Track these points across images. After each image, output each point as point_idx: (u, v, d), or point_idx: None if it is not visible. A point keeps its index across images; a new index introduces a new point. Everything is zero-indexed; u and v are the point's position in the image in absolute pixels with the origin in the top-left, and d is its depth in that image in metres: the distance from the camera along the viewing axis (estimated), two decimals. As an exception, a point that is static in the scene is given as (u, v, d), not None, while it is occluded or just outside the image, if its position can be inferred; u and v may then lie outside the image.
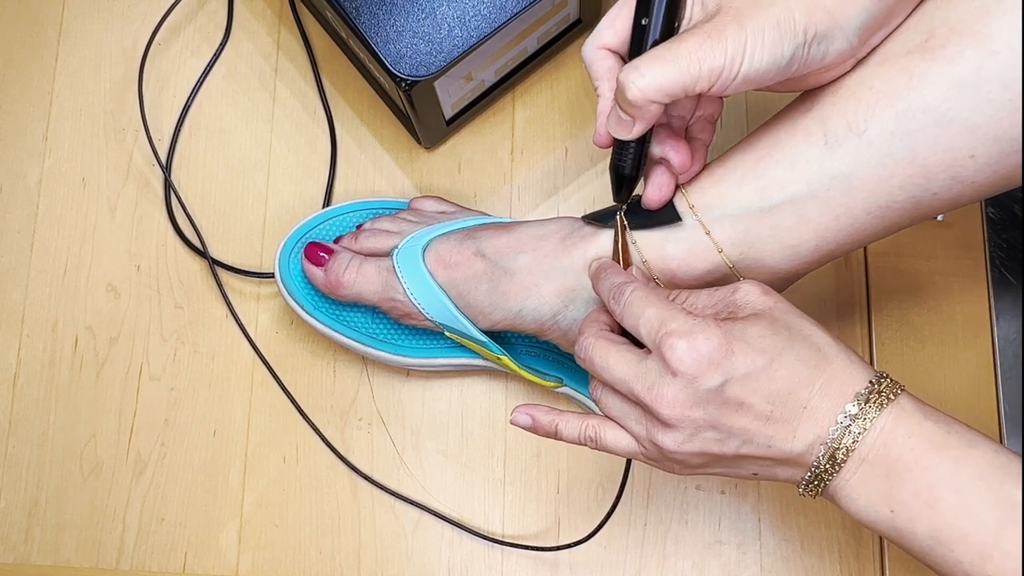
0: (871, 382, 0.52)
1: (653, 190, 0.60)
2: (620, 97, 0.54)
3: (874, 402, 0.52)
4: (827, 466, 0.52)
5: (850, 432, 0.51)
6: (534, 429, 0.59)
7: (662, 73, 0.53)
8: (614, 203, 0.61)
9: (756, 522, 0.73)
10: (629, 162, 0.59)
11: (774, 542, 0.73)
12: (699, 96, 0.60)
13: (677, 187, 0.61)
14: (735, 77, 0.53)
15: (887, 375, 0.53)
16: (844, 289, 0.77)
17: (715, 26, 0.53)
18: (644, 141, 0.58)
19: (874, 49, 0.56)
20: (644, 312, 0.54)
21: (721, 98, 0.61)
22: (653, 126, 0.58)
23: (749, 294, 0.55)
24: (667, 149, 0.59)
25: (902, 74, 0.54)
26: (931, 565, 0.52)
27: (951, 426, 0.52)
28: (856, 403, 0.52)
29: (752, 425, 0.52)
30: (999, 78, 0.52)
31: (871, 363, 0.75)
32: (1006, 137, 0.53)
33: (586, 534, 0.70)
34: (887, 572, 0.73)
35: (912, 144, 0.54)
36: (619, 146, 0.59)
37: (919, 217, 0.57)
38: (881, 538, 0.73)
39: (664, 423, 0.53)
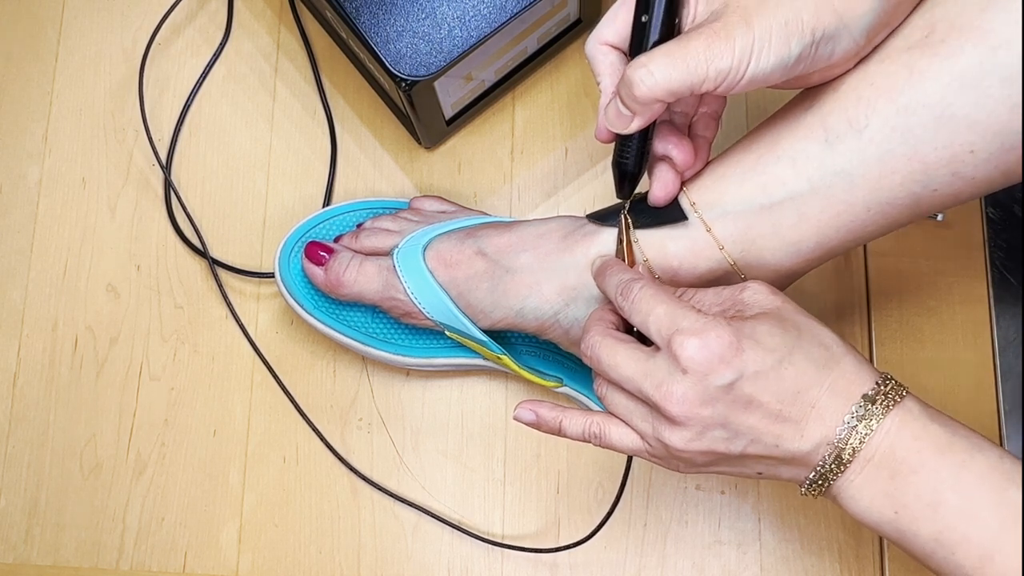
0: (877, 383, 0.52)
1: (659, 188, 0.60)
2: (625, 92, 0.54)
3: (881, 403, 0.52)
4: (832, 466, 0.52)
5: (857, 432, 0.51)
6: (537, 425, 0.59)
7: (670, 73, 0.53)
8: (617, 200, 0.62)
9: (756, 522, 0.73)
10: (631, 158, 0.59)
11: (774, 542, 0.73)
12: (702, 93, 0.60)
13: (682, 184, 0.61)
14: (741, 78, 0.53)
15: (892, 377, 0.53)
16: (844, 289, 0.77)
17: (724, 26, 0.53)
18: (646, 137, 0.59)
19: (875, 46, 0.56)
20: (654, 309, 0.54)
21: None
22: (655, 122, 0.58)
23: (757, 293, 0.55)
24: (670, 147, 0.59)
25: (903, 70, 0.54)
26: (932, 568, 0.52)
27: (956, 430, 0.52)
28: (863, 404, 0.52)
29: (761, 424, 0.52)
30: (999, 73, 0.52)
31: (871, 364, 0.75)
32: (1006, 132, 0.53)
33: (586, 534, 0.70)
34: (887, 572, 0.73)
35: (913, 140, 0.54)
36: (621, 142, 0.59)
37: (920, 214, 0.57)
38: (881, 538, 0.73)
39: (672, 421, 0.53)
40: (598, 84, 0.59)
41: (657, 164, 0.60)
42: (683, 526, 0.74)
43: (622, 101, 0.55)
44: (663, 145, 0.59)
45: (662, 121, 0.60)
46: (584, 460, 0.75)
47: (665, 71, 0.53)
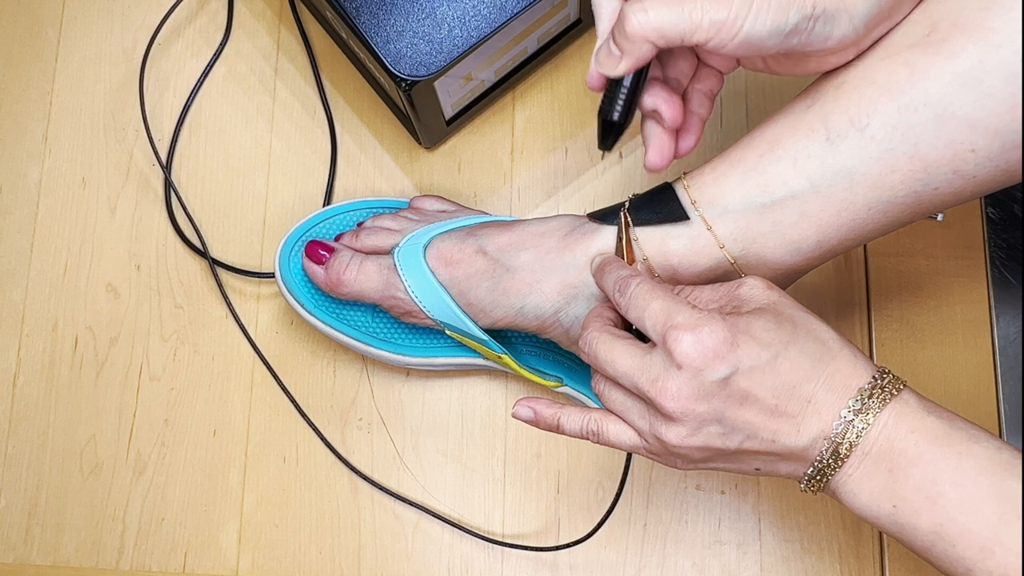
0: (874, 377, 0.52)
1: (654, 153, 0.59)
2: (617, 29, 0.54)
3: (877, 397, 0.52)
4: (830, 461, 0.52)
5: (853, 427, 0.51)
6: (536, 422, 0.59)
7: (664, 14, 0.53)
8: (600, 148, 0.60)
9: (756, 522, 0.73)
10: (617, 108, 0.57)
11: (774, 542, 0.73)
12: (699, 62, 0.60)
13: (682, 182, 0.61)
14: (735, 35, 0.53)
15: (889, 371, 0.53)
16: (844, 289, 0.77)
17: None
18: (636, 88, 0.57)
19: (877, 42, 0.56)
20: (650, 305, 0.54)
21: (721, 73, 0.61)
22: (646, 76, 0.57)
23: (753, 289, 0.55)
24: (659, 101, 0.58)
25: (904, 68, 0.54)
26: (932, 561, 0.52)
27: (953, 421, 0.52)
28: (860, 398, 0.52)
29: (757, 419, 0.52)
30: (1000, 72, 0.52)
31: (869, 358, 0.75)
32: (1007, 131, 0.53)
33: (585, 534, 0.70)
34: (887, 572, 0.73)
35: (914, 139, 0.54)
36: (609, 90, 0.58)
37: (920, 213, 0.57)
38: (881, 537, 0.73)
39: (668, 417, 0.53)
40: (598, 28, 0.58)
41: (648, 125, 0.59)
42: (683, 526, 0.74)
43: (614, 40, 0.55)
44: (652, 100, 0.58)
45: (653, 78, 0.59)
46: (584, 460, 0.75)
47: (659, 11, 0.53)
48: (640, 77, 0.57)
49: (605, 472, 0.74)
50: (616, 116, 0.57)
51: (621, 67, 0.55)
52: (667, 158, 0.59)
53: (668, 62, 0.60)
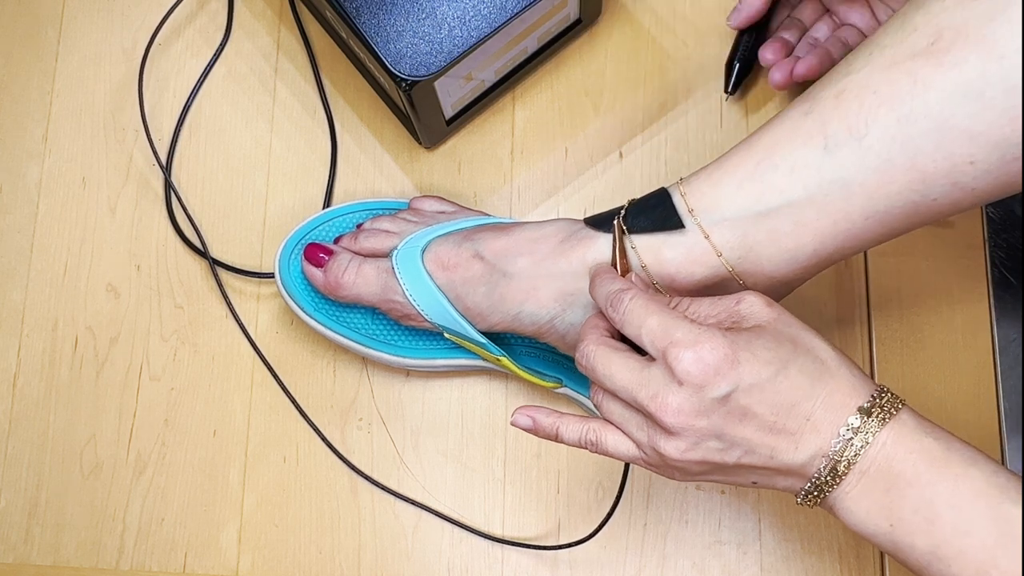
0: (873, 396, 0.52)
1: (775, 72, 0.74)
2: None
3: (876, 416, 0.52)
4: (828, 478, 0.52)
5: (852, 445, 0.52)
6: (535, 431, 0.59)
7: None
8: (726, 92, 0.78)
9: (756, 522, 0.73)
10: (746, 54, 0.77)
11: (774, 542, 0.73)
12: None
13: (679, 188, 0.61)
14: None
15: (888, 389, 0.53)
16: (844, 290, 0.77)
17: None
18: (756, 42, 0.77)
19: (879, 51, 0.56)
20: (646, 321, 0.54)
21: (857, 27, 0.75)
22: (766, 29, 0.77)
23: (753, 305, 0.55)
24: (767, 51, 0.75)
25: (907, 77, 0.54)
26: None
27: (951, 443, 0.52)
28: (858, 416, 0.52)
29: (755, 436, 0.52)
30: (1002, 84, 0.51)
31: (871, 364, 0.75)
32: (1006, 144, 0.52)
33: (586, 534, 0.70)
34: (887, 572, 0.73)
35: (912, 150, 0.54)
36: (736, 42, 0.78)
37: (918, 223, 0.57)
38: (881, 538, 0.73)
39: (667, 431, 0.53)
40: None
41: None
42: (683, 526, 0.74)
43: None
44: (764, 52, 0.75)
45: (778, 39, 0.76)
46: (584, 460, 0.75)
47: None
48: (758, 32, 0.77)
49: (605, 472, 0.74)
50: (744, 61, 0.77)
51: (738, 19, 0.76)
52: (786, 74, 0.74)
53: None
